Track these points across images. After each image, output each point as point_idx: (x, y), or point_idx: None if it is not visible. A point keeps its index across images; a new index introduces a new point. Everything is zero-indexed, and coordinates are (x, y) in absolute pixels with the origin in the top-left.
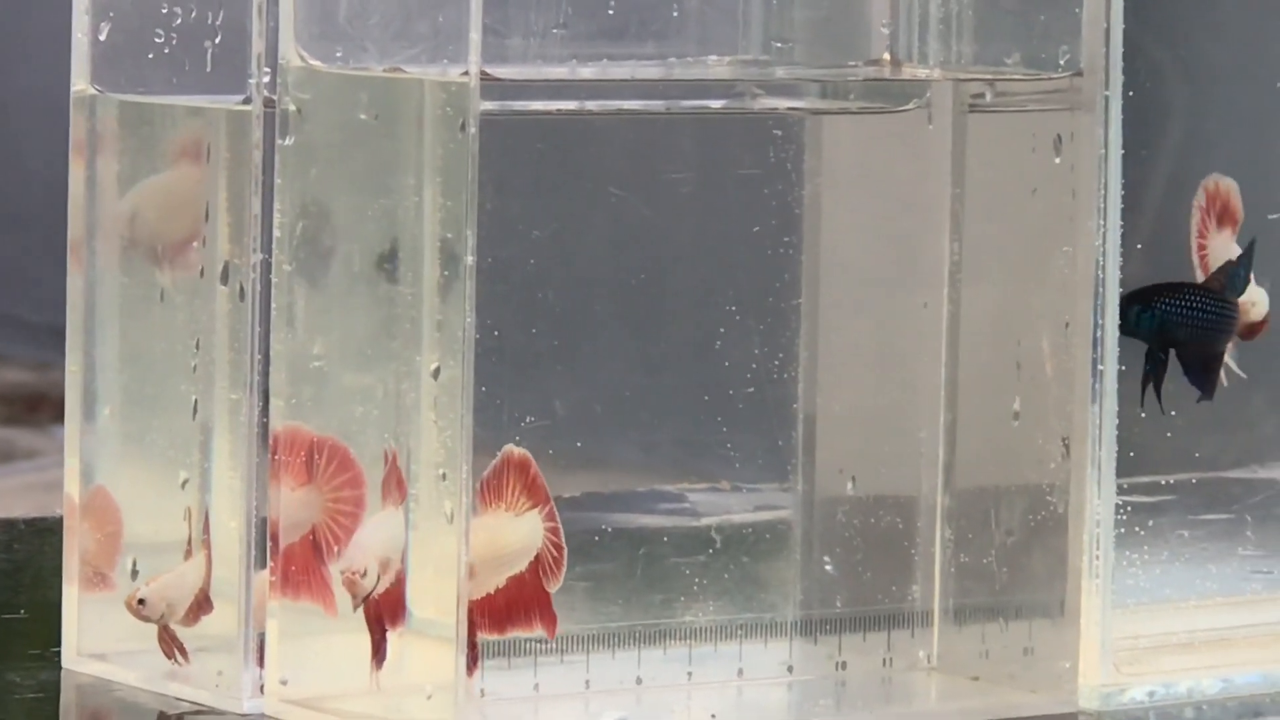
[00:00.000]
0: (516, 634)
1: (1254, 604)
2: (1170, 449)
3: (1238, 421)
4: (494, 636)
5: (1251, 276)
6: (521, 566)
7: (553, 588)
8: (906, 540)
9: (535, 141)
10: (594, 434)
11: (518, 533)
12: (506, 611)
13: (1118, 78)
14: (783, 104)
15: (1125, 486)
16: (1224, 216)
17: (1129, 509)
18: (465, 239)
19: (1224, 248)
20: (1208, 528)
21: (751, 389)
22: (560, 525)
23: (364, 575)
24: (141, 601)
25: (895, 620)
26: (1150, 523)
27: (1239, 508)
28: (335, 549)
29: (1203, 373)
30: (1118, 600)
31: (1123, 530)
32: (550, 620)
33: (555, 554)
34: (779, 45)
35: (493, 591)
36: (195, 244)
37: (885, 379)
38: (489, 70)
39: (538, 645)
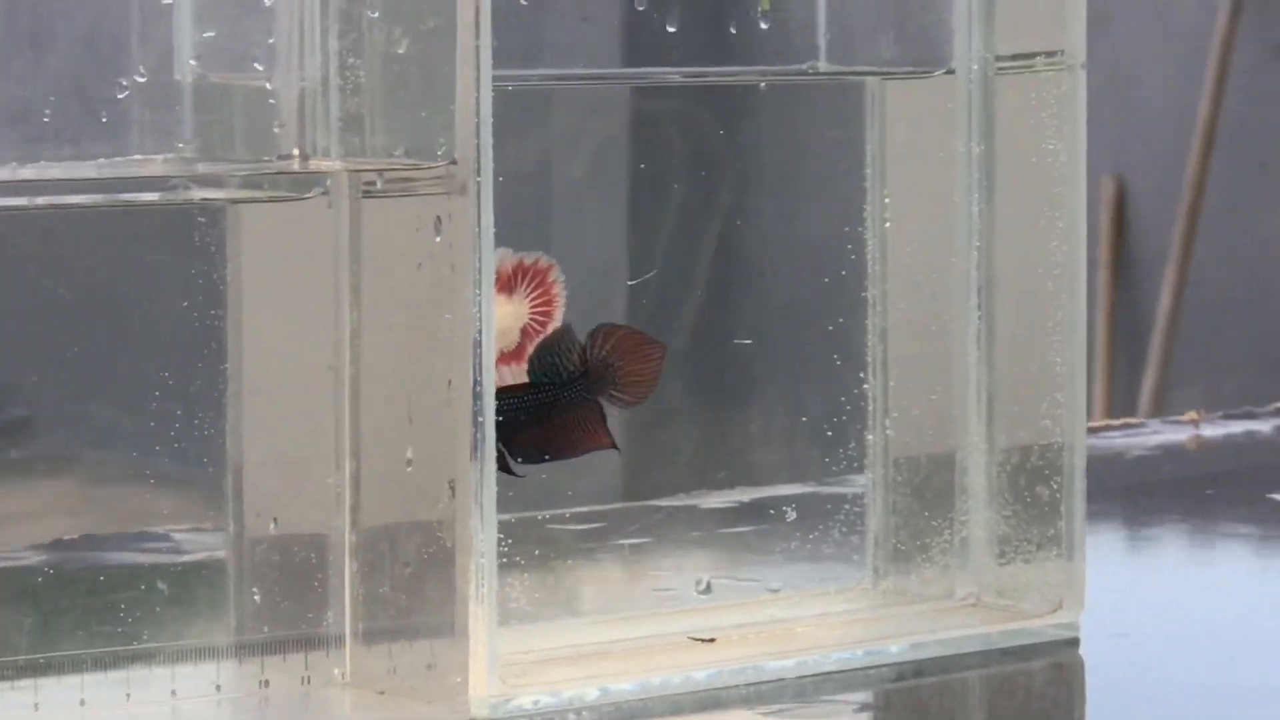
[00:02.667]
0: None
1: (634, 620)
2: (546, 487)
3: (612, 458)
4: None
5: (551, 356)
6: None
7: None
8: (320, 572)
9: None
10: (35, 488)
11: None
12: None
13: (489, 165)
14: (204, 194)
15: (513, 521)
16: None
17: (511, 540)
18: None
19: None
20: (601, 553)
21: (179, 444)
22: None
23: None
24: None
25: (312, 643)
26: (536, 552)
27: (636, 529)
28: None
29: (531, 453)
30: (507, 620)
31: (505, 560)
32: None
33: None
34: (199, 145)
35: None
36: None
37: (300, 432)
38: None
39: None
